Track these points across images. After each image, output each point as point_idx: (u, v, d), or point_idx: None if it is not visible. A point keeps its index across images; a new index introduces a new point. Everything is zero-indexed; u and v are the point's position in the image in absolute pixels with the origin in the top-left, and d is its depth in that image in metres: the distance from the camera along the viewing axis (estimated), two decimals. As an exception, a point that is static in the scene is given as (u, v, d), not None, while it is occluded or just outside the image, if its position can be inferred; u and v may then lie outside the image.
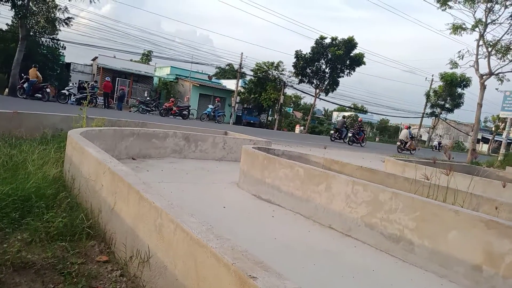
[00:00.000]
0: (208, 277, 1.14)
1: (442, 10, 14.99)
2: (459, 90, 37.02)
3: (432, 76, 38.23)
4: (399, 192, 2.59)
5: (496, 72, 14.84)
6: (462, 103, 37.60)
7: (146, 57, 38.55)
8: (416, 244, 2.40)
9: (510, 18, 13.95)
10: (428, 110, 38.77)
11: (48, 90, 16.03)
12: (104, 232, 1.96)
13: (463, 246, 2.20)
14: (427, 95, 38.41)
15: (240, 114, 30.46)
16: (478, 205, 3.15)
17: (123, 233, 1.75)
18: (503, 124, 31.74)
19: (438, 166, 4.71)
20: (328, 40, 30.30)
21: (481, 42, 14.69)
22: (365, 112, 48.40)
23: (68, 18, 19.55)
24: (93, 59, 28.70)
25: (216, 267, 1.09)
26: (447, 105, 38.01)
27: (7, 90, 17.34)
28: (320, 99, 32.59)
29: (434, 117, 39.17)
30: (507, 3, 13.80)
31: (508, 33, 14.31)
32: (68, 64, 26.79)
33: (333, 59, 29.90)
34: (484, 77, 14.80)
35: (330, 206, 2.95)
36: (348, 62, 30.44)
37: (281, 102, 30.09)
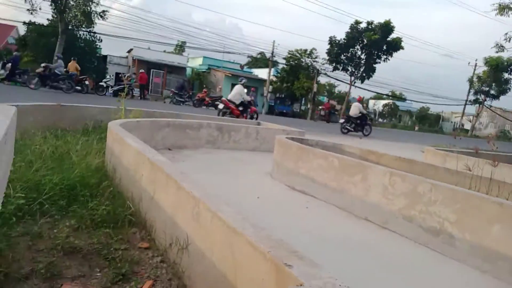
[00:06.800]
0: (245, 265, 1.16)
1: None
2: (506, 75, 34.79)
3: (476, 60, 36.14)
4: (439, 184, 2.50)
5: (547, 55, 13.79)
6: (509, 89, 35.36)
7: (180, 48, 39.16)
8: (457, 238, 2.31)
9: None
10: (472, 97, 36.81)
11: (87, 82, 16.70)
12: (145, 220, 2.04)
13: (508, 240, 2.10)
14: (470, 81, 36.42)
15: (273, 104, 30.34)
16: (526, 198, 2.98)
17: (162, 221, 1.81)
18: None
19: (481, 157, 4.48)
20: (363, 25, 29.29)
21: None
22: (404, 99, 46.71)
23: (103, 11, 20.25)
24: (128, 51, 29.53)
25: (253, 255, 1.11)
26: (492, 92, 35.88)
27: (49, 83, 18.26)
28: (356, 86, 31.68)
29: (478, 105, 37.18)
30: None
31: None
32: (105, 57, 27.75)
33: (369, 44, 28.89)
34: (534, 60, 13.81)
35: (366, 198, 2.90)
36: (385, 47, 29.34)
37: (315, 91, 29.62)
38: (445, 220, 2.38)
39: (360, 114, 13.58)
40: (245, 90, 11.86)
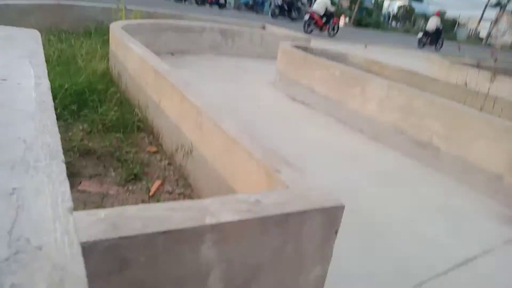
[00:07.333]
0: (241, 170, 1.33)
1: None
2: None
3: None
4: (434, 98, 2.58)
5: None
6: (539, -8, 32.48)
7: None
8: (442, 150, 2.48)
9: None
10: (493, 0, 34.02)
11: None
12: (152, 127, 2.19)
13: (488, 155, 2.26)
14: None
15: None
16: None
17: (168, 128, 1.96)
18: None
19: (485, 70, 4.45)
20: None
21: None
22: (421, 0, 43.37)
23: None
24: None
25: (248, 162, 1.26)
26: (518, -6, 33.01)
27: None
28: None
29: (499, 8, 34.53)
30: None
31: None
32: None
33: None
34: None
35: (363, 110, 3.00)
36: None
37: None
38: (434, 134, 2.52)
39: (436, 29, 14.04)
40: (329, 2, 12.60)
